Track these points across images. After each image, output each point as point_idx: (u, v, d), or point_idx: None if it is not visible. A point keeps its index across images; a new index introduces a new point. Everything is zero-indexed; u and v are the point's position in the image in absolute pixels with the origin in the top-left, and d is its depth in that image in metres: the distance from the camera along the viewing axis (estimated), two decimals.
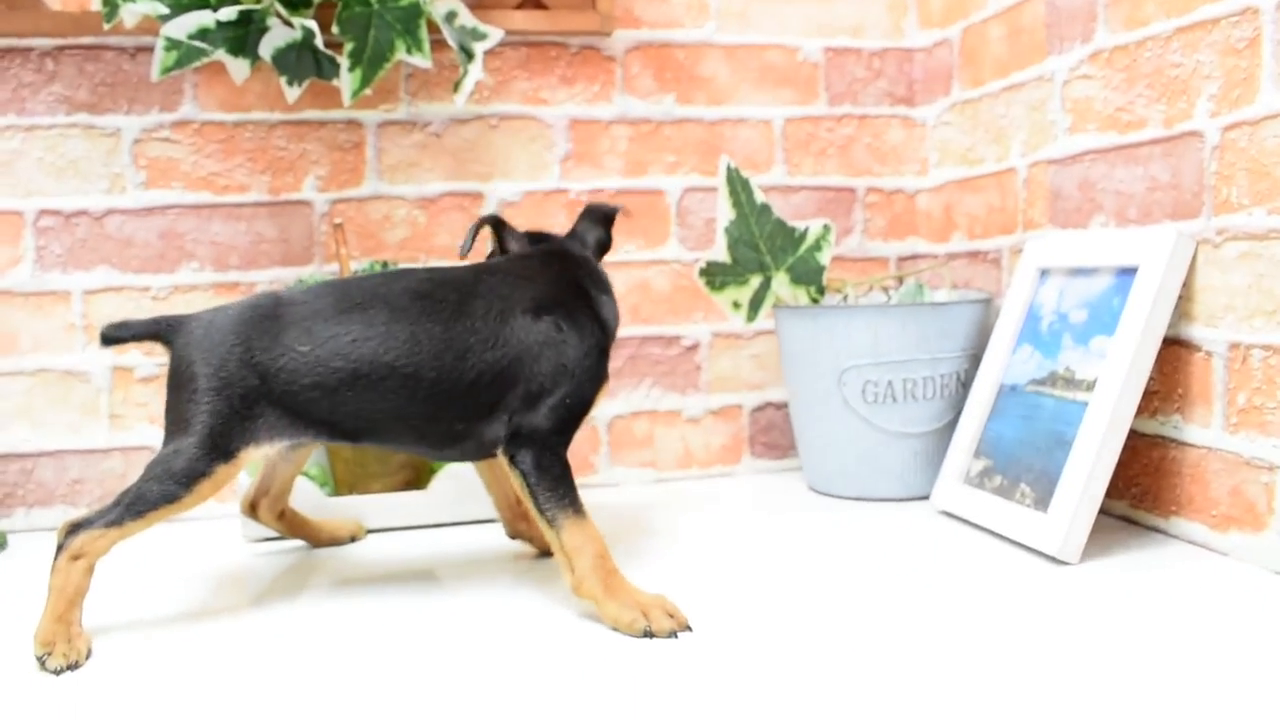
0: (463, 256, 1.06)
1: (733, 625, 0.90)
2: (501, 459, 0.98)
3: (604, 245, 1.16)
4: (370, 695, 0.78)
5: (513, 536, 1.17)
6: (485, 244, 1.18)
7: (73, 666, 0.84)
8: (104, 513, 0.91)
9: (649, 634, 0.88)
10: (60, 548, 0.90)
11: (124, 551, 1.23)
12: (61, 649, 0.85)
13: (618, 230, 1.49)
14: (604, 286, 1.09)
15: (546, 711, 0.73)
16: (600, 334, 1.04)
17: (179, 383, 0.97)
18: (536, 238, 1.15)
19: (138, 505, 0.91)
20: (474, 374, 0.97)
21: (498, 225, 1.13)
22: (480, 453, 1.01)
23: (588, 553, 0.93)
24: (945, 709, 0.71)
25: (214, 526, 1.35)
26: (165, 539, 1.29)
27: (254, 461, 0.98)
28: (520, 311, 1.00)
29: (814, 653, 0.83)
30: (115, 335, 1.00)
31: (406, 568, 1.13)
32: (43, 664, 0.84)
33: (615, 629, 0.90)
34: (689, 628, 0.89)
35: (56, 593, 0.89)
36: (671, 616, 0.89)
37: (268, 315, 0.98)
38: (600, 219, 1.16)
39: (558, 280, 1.05)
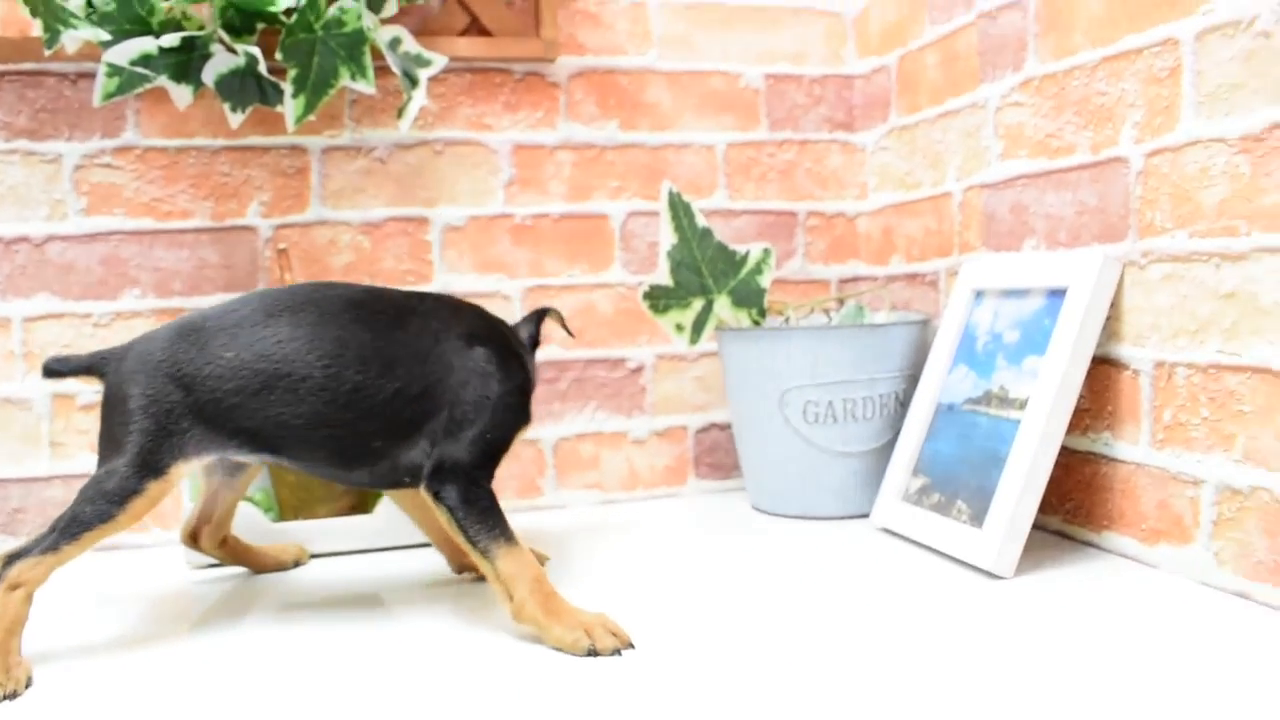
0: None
1: (677, 643, 0.91)
2: (425, 495, 0.98)
3: (534, 341, 1.15)
4: (324, 717, 0.78)
5: (459, 571, 1.17)
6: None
7: (10, 696, 0.84)
8: (39, 540, 0.91)
9: (593, 652, 0.89)
10: None
11: (66, 579, 1.22)
12: None
13: (562, 255, 1.50)
14: (527, 351, 1.11)
15: None
16: (524, 378, 1.05)
17: (110, 408, 0.97)
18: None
19: (72, 529, 0.91)
20: (398, 385, 0.97)
21: None
22: (393, 478, 1.01)
23: (524, 578, 0.93)
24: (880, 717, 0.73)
25: (157, 554, 1.34)
26: (108, 567, 1.28)
27: (184, 477, 0.97)
28: (455, 336, 1.01)
29: (756, 668, 0.84)
30: (55, 369, 1.01)
31: (351, 592, 1.13)
32: None
33: (559, 650, 0.91)
34: (631, 645, 0.91)
35: None
36: (614, 635, 0.90)
37: (195, 329, 0.98)
38: (535, 318, 1.15)
39: (490, 322, 1.07)
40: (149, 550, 1.37)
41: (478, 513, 0.95)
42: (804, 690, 0.79)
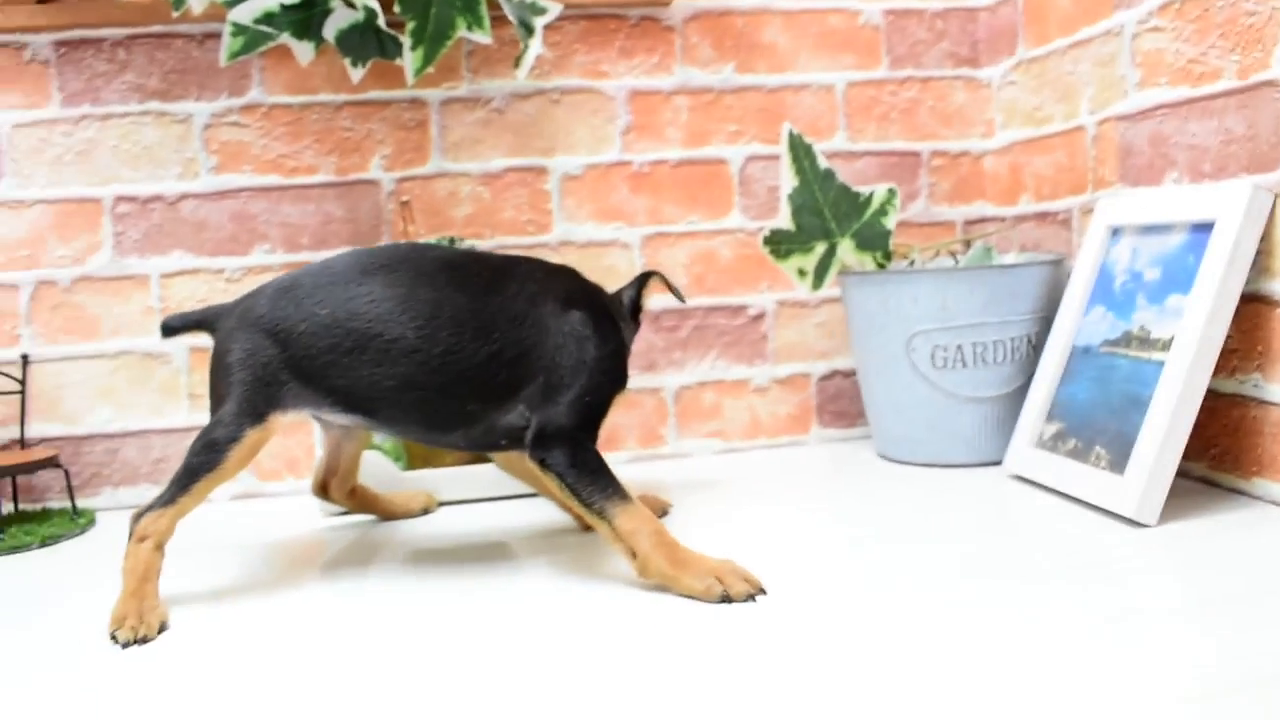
0: None
1: (807, 593, 0.90)
2: (532, 464, 0.97)
3: (636, 305, 1.13)
4: (447, 667, 0.79)
5: (586, 529, 1.16)
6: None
7: (141, 640, 0.87)
8: (160, 495, 0.96)
9: (727, 599, 0.88)
10: (130, 534, 0.95)
11: (206, 527, 1.26)
12: (131, 623, 0.88)
13: (680, 201, 1.49)
14: (622, 314, 1.10)
15: (630, 678, 0.74)
16: (619, 341, 1.04)
17: (216, 364, 1.01)
18: None
19: (184, 479, 0.96)
20: (494, 349, 0.97)
21: None
22: (489, 440, 1.01)
23: (645, 533, 0.93)
24: (1026, 672, 0.71)
25: (291, 502, 1.38)
26: (246, 514, 1.33)
27: (282, 427, 1.00)
28: (551, 299, 1.00)
29: (892, 618, 0.82)
30: (172, 325, 1.06)
31: (478, 539, 1.15)
32: (114, 638, 0.87)
33: (691, 597, 0.90)
34: (764, 590, 0.90)
35: (128, 573, 0.93)
36: (746, 580, 0.90)
37: (291, 286, 1.00)
38: (637, 282, 1.12)
39: (587, 286, 1.06)
40: (285, 499, 1.41)
41: (588, 475, 0.95)
42: (941, 642, 0.77)
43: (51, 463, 1.29)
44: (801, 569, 0.96)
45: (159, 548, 0.95)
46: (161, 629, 0.90)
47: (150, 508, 0.95)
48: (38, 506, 1.38)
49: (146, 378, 1.41)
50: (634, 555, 0.93)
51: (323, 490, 1.21)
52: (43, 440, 1.40)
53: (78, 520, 1.31)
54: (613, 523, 0.93)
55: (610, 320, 1.04)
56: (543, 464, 0.96)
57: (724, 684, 0.72)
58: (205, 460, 0.96)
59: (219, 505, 1.39)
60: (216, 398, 1.00)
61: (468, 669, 0.78)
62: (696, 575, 0.90)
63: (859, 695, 0.68)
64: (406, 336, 0.97)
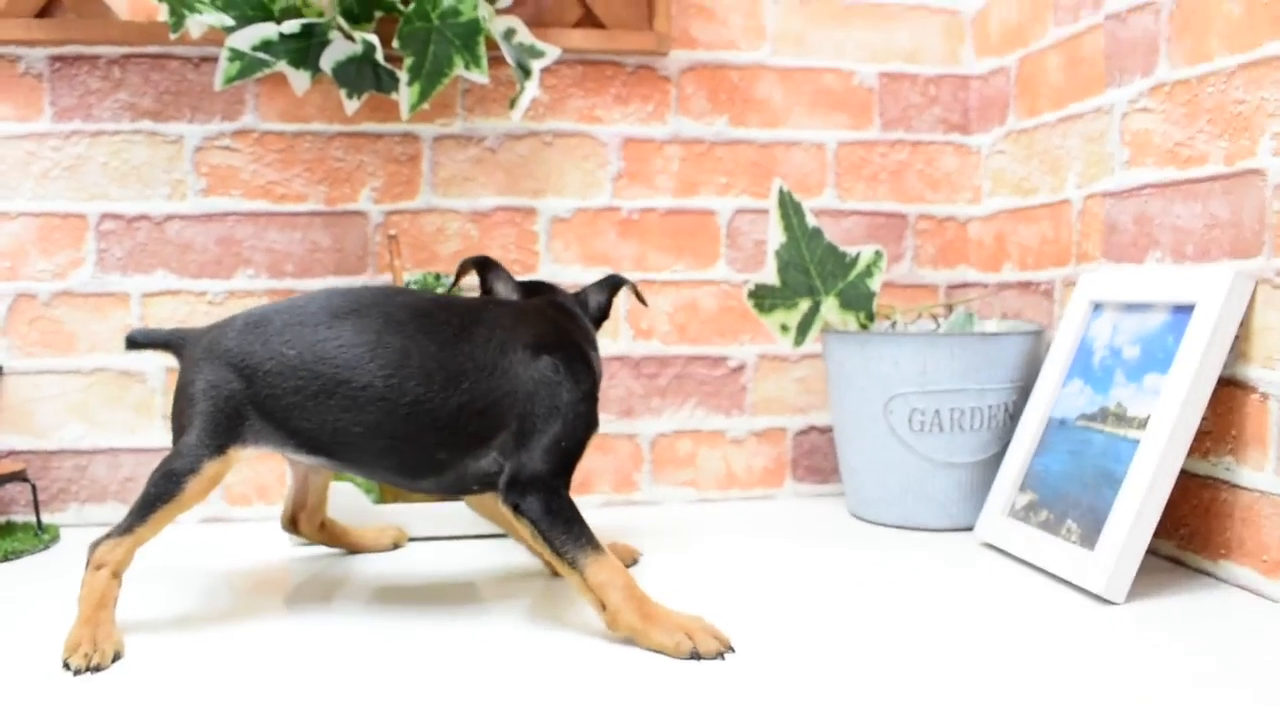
0: (447, 293, 1.07)
1: (774, 651, 0.90)
2: (505, 510, 0.96)
3: (603, 311, 1.17)
4: (406, 708, 0.78)
5: (555, 573, 1.15)
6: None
7: (95, 669, 0.86)
8: (119, 524, 0.95)
9: (696, 655, 0.88)
10: (87, 562, 0.94)
11: (171, 551, 1.25)
12: (85, 650, 0.87)
13: (667, 249, 1.50)
14: (594, 344, 1.11)
15: None
16: (591, 382, 1.04)
17: (180, 393, 1.00)
18: (533, 287, 1.16)
19: (142, 510, 0.94)
20: (464, 399, 0.96)
21: (485, 266, 1.14)
22: (460, 486, 1.01)
23: (616, 586, 0.92)
24: None
25: (259, 529, 1.37)
26: (212, 540, 1.31)
27: (242, 460, 0.99)
28: (521, 346, 1.00)
29: (856, 682, 0.82)
30: (137, 340, 1.06)
31: (446, 578, 1.14)
32: (66, 665, 0.86)
33: (660, 653, 0.90)
34: (732, 648, 0.89)
35: (83, 600, 0.92)
36: (716, 638, 0.89)
37: (261, 321, 0.99)
38: (609, 287, 1.17)
39: (557, 327, 1.06)
40: (254, 524, 1.40)
41: (562, 524, 0.94)
42: (903, 708, 0.77)
43: (19, 476, 1.27)
44: (769, 626, 0.96)
45: (116, 575, 0.94)
46: (116, 657, 0.88)
47: (108, 536, 0.94)
48: (2, 520, 1.36)
49: (120, 396, 1.40)
50: (604, 608, 0.92)
51: (292, 524, 1.20)
52: (11, 453, 1.38)
53: (42, 536, 1.29)
54: (584, 573, 0.92)
55: (582, 362, 1.04)
56: (516, 510, 0.95)
57: None
58: (163, 491, 0.95)
59: (187, 529, 1.38)
60: (178, 427, 0.99)
61: (428, 711, 0.77)
62: (666, 631, 0.90)
63: None
64: (374, 385, 0.96)
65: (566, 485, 0.98)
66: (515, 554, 1.23)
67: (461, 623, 0.99)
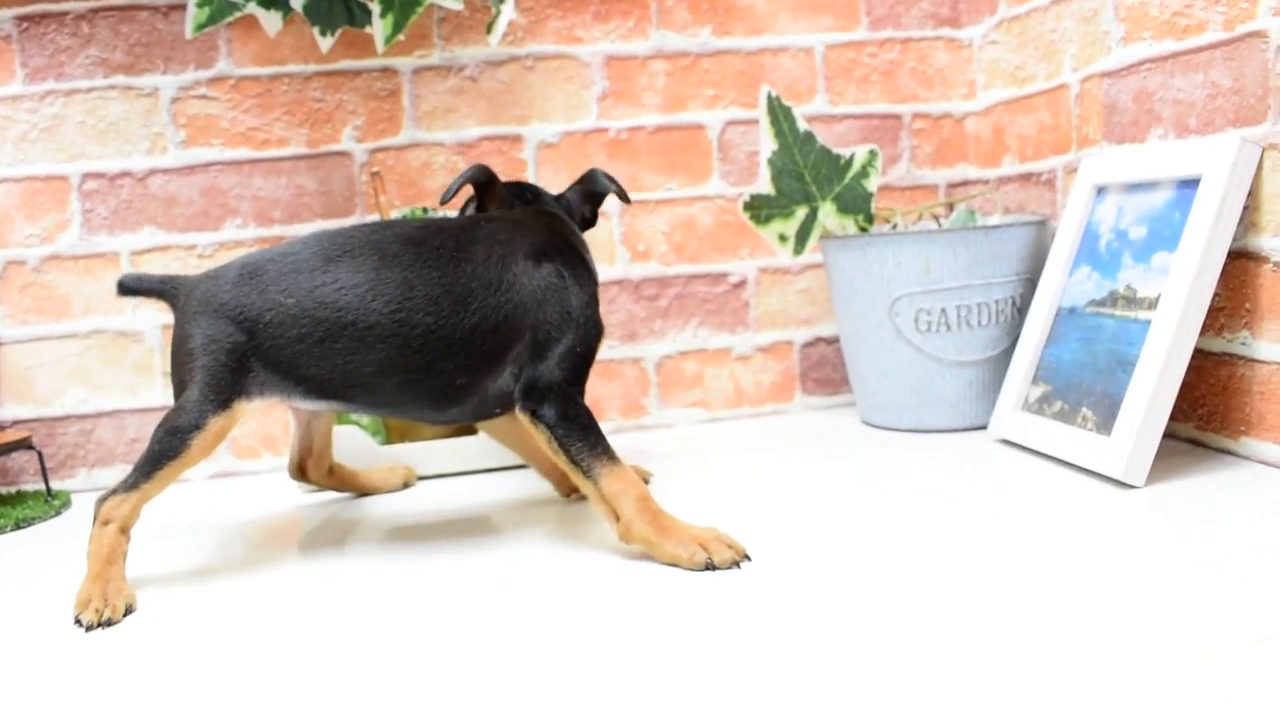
0: (443, 204, 1.04)
1: (795, 560, 0.89)
2: (522, 418, 0.95)
3: (587, 221, 1.16)
4: (430, 643, 0.78)
5: (566, 495, 1.15)
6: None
7: (106, 623, 0.85)
8: (125, 480, 0.94)
9: (710, 566, 0.87)
10: (94, 518, 0.93)
11: (183, 505, 1.24)
12: (96, 605, 0.86)
13: (658, 168, 1.47)
14: (586, 247, 1.08)
15: (617, 647, 0.73)
16: (594, 286, 1.02)
17: (178, 348, 0.98)
18: (518, 191, 1.12)
19: (147, 466, 0.93)
20: (475, 320, 0.95)
21: (485, 181, 1.09)
22: (483, 410, 0.99)
23: (630, 496, 0.91)
24: (1015, 635, 0.69)
25: (270, 480, 1.36)
26: (224, 493, 1.31)
27: (248, 413, 0.97)
28: (522, 257, 0.98)
29: (879, 583, 0.81)
30: (129, 285, 1.02)
31: (459, 513, 1.13)
32: (78, 621, 0.85)
33: (674, 565, 0.89)
34: (748, 557, 0.88)
35: (91, 557, 0.91)
36: (730, 547, 0.88)
37: (255, 271, 0.97)
38: (592, 195, 1.15)
39: (553, 233, 1.04)
40: (262, 476, 1.39)
41: (578, 430, 0.93)
42: (930, 606, 0.76)
43: (24, 445, 1.27)
44: (787, 537, 0.94)
45: (124, 531, 0.93)
46: (128, 611, 0.87)
47: (114, 492, 0.93)
48: (12, 489, 1.36)
49: (120, 357, 1.38)
50: (617, 518, 0.91)
51: (300, 472, 1.19)
52: (15, 422, 1.37)
53: (52, 503, 1.28)
54: (598, 482, 0.92)
55: (584, 264, 1.03)
56: (534, 416, 0.94)
57: (713, 652, 0.70)
58: (168, 447, 0.93)
59: (196, 484, 1.37)
60: (179, 382, 0.97)
61: (452, 645, 0.76)
62: (680, 542, 0.89)
63: (846, 661, 0.67)
64: (382, 322, 0.94)
65: (582, 393, 0.96)
66: (524, 483, 1.22)
67: (480, 554, 0.98)
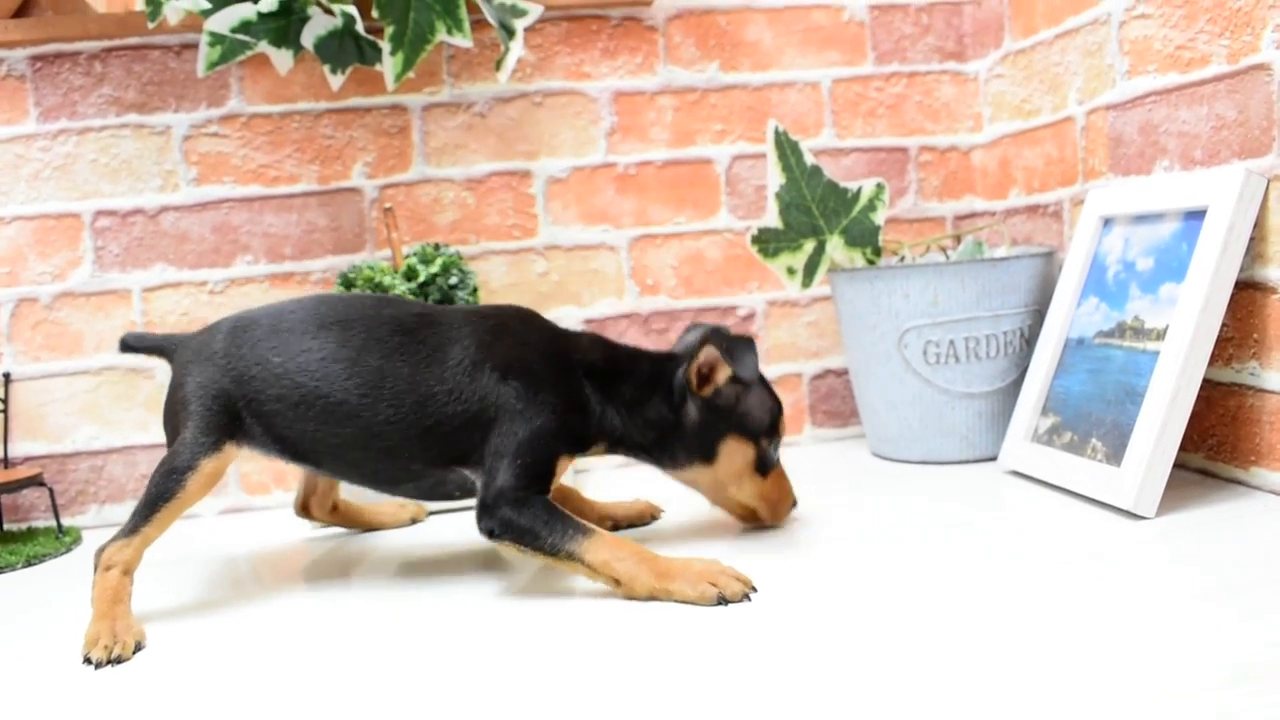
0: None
1: (806, 593, 0.88)
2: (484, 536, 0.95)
3: (688, 376, 1.03)
4: (439, 679, 0.77)
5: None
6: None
7: (116, 660, 0.85)
8: (124, 526, 0.96)
9: (724, 600, 0.87)
10: (95, 566, 0.94)
11: (194, 541, 1.25)
12: (105, 643, 0.86)
13: (667, 202, 1.48)
14: (569, 374, 1.01)
15: (628, 684, 0.73)
16: (556, 407, 0.98)
17: (172, 395, 1.02)
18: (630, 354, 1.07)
19: (145, 510, 0.96)
20: (431, 422, 0.97)
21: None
22: (441, 492, 1.02)
23: (620, 557, 0.91)
24: (1026, 666, 0.69)
25: (279, 516, 1.36)
26: (235, 529, 1.31)
27: (237, 457, 1.00)
28: (490, 368, 0.98)
29: (890, 614, 0.81)
30: (130, 344, 1.09)
31: (470, 549, 1.13)
32: (88, 659, 0.85)
33: (687, 603, 0.88)
34: (755, 589, 0.89)
35: (97, 599, 0.92)
36: (738, 580, 0.88)
37: (249, 325, 1.01)
38: (698, 341, 1.02)
39: (529, 353, 1.00)
40: (272, 512, 1.39)
41: (539, 529, 0.92)
42: (941, 636, 0.76)
43: (35, 481, 1.27)
44: (799, 569, 0.94)
45: (127, 573, 0.94)
46: (138, 648, 0.88)
47: (114, 539, 0.95)
48: (23, 526, 1.36)
49: (131, 394, 1.39)
50: (617, 583, 0.91)
51: (305, 511, 1.21)
52: (27, 459, 1.38)
53: (63, 539, 1.29)
54: (584, 560, 0.92)
55: (549, 386, 0.99)
56: (491, 535, 0.94)
57: (725, 685, 0.70)
58: (165, 489, 0.96)
59: (207, 519, 1.37)
60: (172, 429, 1.01)
61: (461, 681, 0.76)
62: (688, 582, 0.89)
63: (859, 692, 0.67)
64: (350, 401, 0.97)
65: (535, 487, 0.95)
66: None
67: (491, 589, 0.98)
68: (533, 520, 0.92)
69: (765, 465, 1.05)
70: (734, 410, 1.02)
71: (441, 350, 0.99)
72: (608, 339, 1.08)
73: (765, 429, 1.03)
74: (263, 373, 0.98)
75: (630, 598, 0.91)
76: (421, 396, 0.97)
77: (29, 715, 0.76)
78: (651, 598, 0.90)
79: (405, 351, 0.99)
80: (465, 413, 0.97)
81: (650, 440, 1.03)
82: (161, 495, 0.95)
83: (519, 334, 1.03)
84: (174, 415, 1.01)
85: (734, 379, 1.00)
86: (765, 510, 1.07)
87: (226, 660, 0.84)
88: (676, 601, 0.89)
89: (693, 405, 1.02)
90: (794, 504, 1.09)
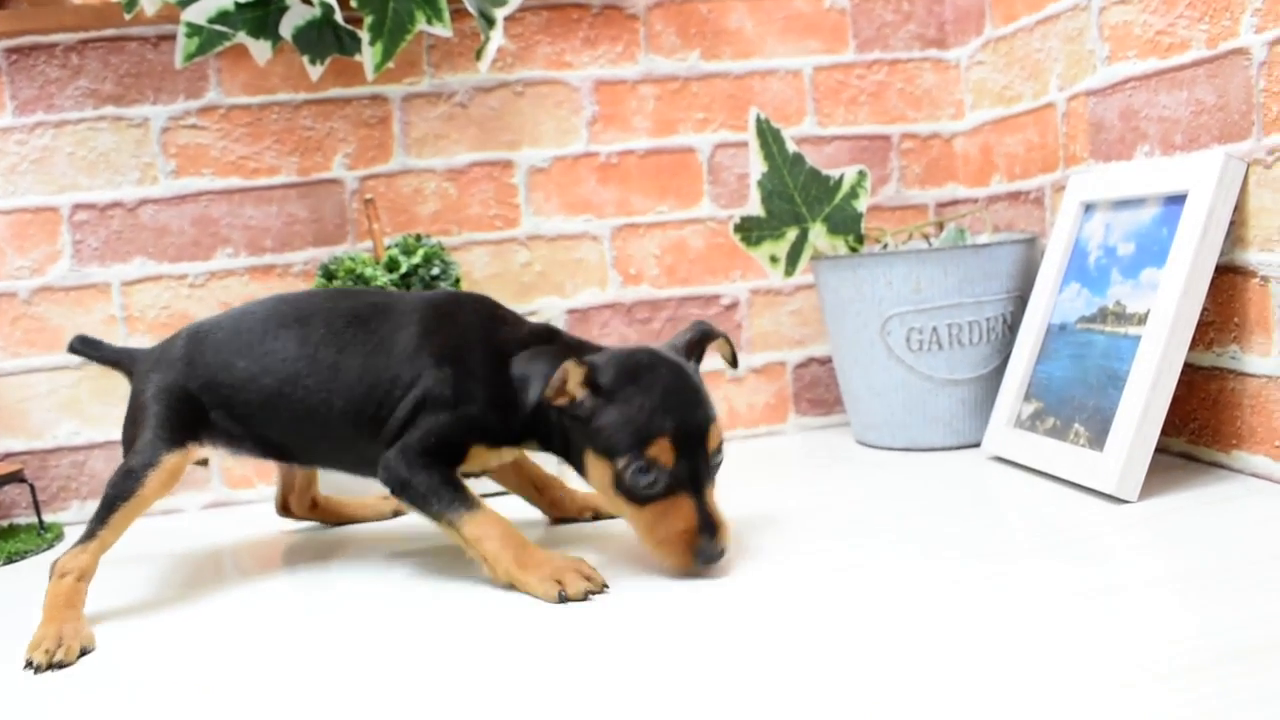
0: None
1: (789, 580, 0.88)
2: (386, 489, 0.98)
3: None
4: (420, 670, 0.77)
5: (555, 521, 1.16)
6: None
7: (58, 665, 0.84)
8: (81, 535, 0.95)
9: (564, 599, 0.88)
10: (50, 575, 0.93)
11: (170, 537, 1.24)
12: (47, 646, 0.85)
13: (649, 192, 1.47)
14: (504, 368, 0.98)
15: (607, 671, 0.73)
16: (484, 398, 0.97)
17: (132, 403, 1.02)
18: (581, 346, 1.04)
19: (102, 512, 0.95)
20: (382, 412, 0.98)
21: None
22: None
23: (492, 536, 0.92)
24: (1010, 649, 0.69)
25: (261, 510, 1.36)
26: (215, 524, 1.30)
27: (198, 455, 1.00)
28: (428, 354, 0.98)
29: (873, 600, 0.81)
30: (80, 350, 1.09)
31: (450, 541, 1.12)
32: (28, 663, 0.84)
33: (538, 598, 0.89)
34: (605, 588, 0.89)
35: (47, 605, 0.91)
36: (587, 579, 0.89)
37: (213, 330, 1.03)
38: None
39: (467, 342, 0.99)
40: (255, 505, 1.39)
41: (428, 490, 0.94)
42: (925, 621, 0.76)
43: (16, 477, 1.26)
44: (783, 557, 0.94)
45: (81, 579, 0.93)
46: (84, 652, 0.86)
47: (70, 548, 0.94)
48: (4, 523, 1.35)
49: (112, 389, 1.38)
50: (485, 559, 0.92)
51: (284, 509, 1.21)
52: (7, 455, 1.37)
53: (45, 535, 1.28)
54: (460, 530, 0.93)
55: (478, 379, 0.97)
56: (392, 491, 0.97)
57: (713, 672, 0.70)
58: (122, 489, 0.95)
59: (189, 514, 1.37)
60: (130, 438, 1.00)
61: (442, 670, 0.76)
62: (539, 577, 0.90)
63: (843, 677, 0.67)
64: (309, 399, 0.99)
65: (440, 460, 0.96)
66: (514, 509, 1.22)
67: (472, 579, 0.97)
68: (425, 484, 0.95)
69: (631, 492, 0.91)
70: (588, 423, 0.92)
71: (390, 338, 1.00)
72: (561, 332, 1.03)
73: (625, 448, 0.89)
74: (229, 378, 0.99)
75: (493, 578, 0.92)
76: (371, 385, 0.98)
77: (12, 713, 0.75)
78: (509, 582, 0.91)
79: (358, 343, 1.00)
80: (409, 400, 0.97)
81: (559, 446, 0.98)
82: (120, 495, 0.94)
83: (464, 322, 1.02)
84: (133, 422, 1.01)
85: (595, 389, 0.92)
86: (650, 547, 0.92)
87: (209, 655, 0.84)
88: (528, 594, 0.90)
89: (553, 413, 0.96)
90: (708, 552, 0.89)
